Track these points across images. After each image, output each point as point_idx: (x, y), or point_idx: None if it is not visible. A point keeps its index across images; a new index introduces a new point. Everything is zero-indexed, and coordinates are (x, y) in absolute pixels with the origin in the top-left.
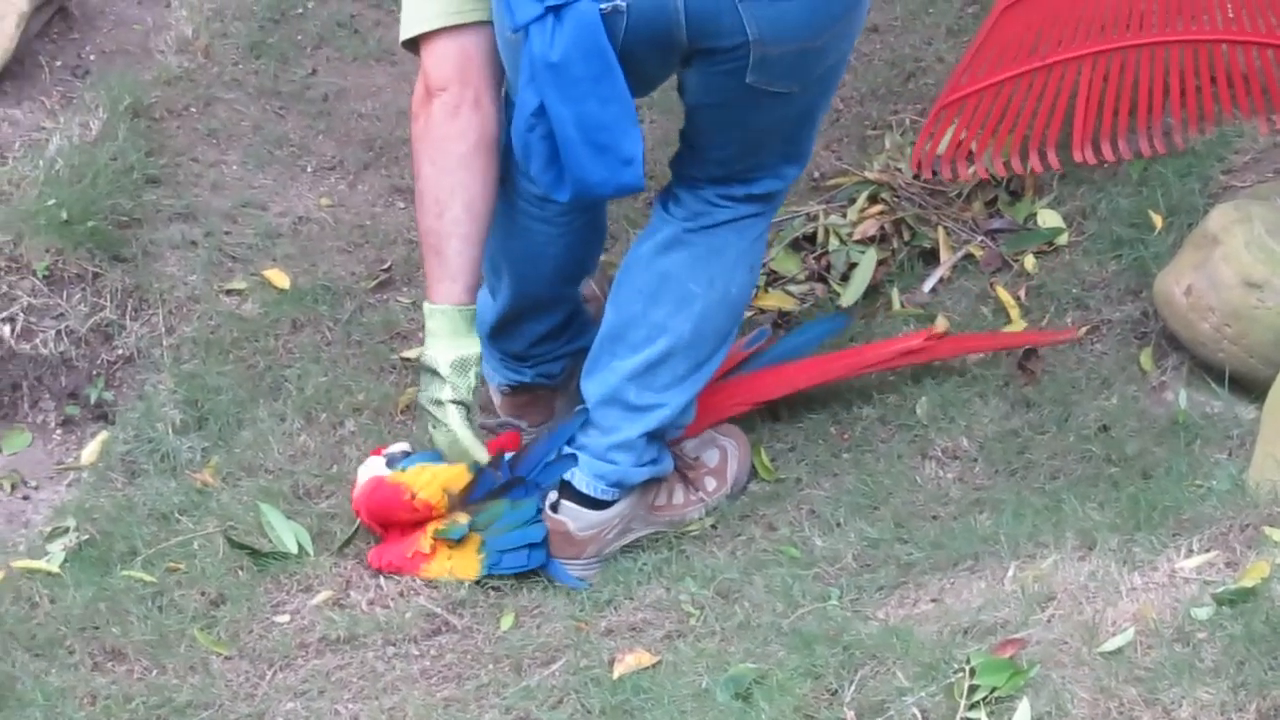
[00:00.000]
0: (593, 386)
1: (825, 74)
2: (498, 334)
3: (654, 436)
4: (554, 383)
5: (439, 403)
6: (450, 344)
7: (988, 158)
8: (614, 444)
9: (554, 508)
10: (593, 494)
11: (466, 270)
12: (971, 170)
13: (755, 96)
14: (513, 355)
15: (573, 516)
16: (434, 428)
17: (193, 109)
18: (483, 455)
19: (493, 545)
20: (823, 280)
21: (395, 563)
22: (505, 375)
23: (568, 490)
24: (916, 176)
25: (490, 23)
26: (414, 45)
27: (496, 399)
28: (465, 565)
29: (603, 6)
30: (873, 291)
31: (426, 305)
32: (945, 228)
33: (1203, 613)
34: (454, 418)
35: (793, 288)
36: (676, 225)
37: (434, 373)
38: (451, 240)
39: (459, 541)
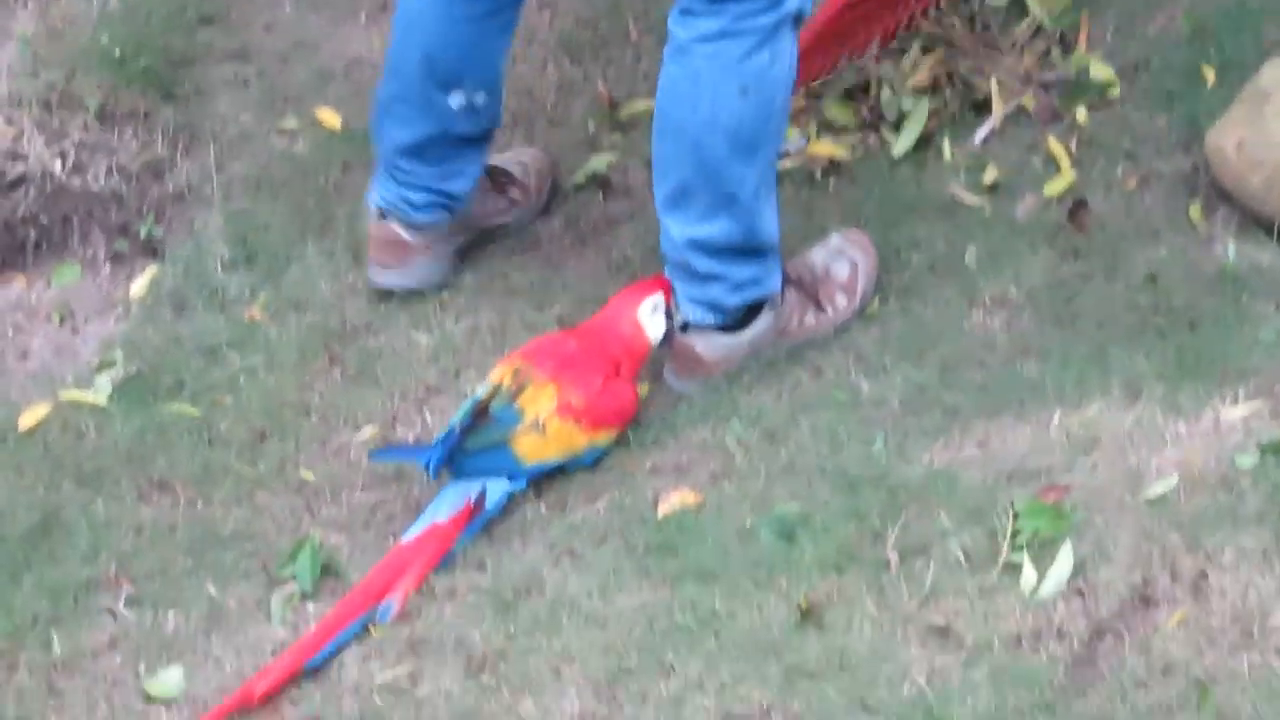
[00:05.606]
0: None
1: None
2: (375, 132)
3: (743, 253)
4: (413, 222)
5: None
6: None
7: None
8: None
9: (683, 328)
10: (695, 320)
11: None
12: None
13: None
14: (384, 164)
15: (700, 337)
16: None
17: None
18: None
19: None
20: (875, 129)
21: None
22: (375, 189)
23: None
24: (971, 28)
25: None
26: None
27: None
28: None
29: None
30: (924, 142)
31: None
32: (998, 79)
33: (1247, 460)
34: None
35: (845, 137)
36: (667, 57)
37: None
38: None
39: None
